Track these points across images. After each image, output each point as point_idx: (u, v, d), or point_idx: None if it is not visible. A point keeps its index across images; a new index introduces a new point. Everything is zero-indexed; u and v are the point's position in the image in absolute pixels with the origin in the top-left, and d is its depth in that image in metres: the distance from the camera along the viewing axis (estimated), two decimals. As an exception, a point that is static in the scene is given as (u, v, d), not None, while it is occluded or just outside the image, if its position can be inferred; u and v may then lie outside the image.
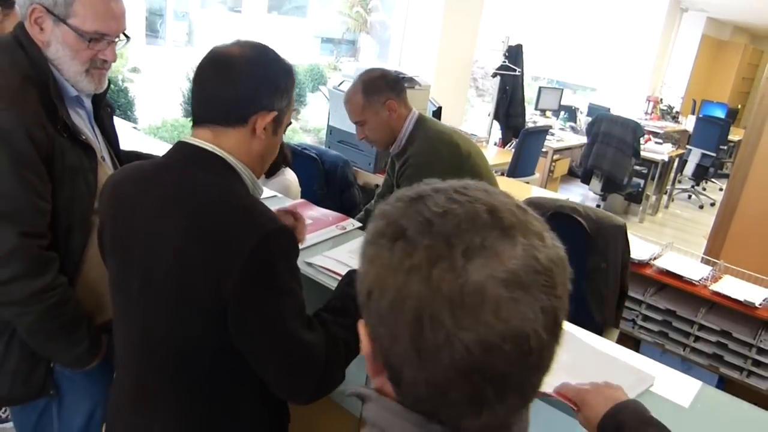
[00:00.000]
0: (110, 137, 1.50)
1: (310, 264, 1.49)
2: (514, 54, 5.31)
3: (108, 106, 1.53)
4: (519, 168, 4.55)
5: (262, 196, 1.23)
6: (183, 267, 1.04)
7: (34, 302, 1.27)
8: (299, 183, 2.78)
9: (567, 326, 0.54)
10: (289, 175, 2.64)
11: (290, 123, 1.23)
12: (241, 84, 1.09)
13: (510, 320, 0.48)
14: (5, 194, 1.21)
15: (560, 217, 2.55)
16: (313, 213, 1.80)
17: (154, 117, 6.08)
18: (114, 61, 1.36)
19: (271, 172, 2.74)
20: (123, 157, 1.56)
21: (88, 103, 1.43)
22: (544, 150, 5.70)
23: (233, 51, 1.12)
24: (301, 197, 2.38)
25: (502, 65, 5.33)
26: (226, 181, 1.11)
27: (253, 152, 1.14)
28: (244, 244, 1.00)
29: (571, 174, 6.79)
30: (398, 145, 2.04)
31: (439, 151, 1.96)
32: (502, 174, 4.46)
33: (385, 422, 0.56)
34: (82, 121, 1.41)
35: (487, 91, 6.10)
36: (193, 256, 1.03)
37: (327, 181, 3.14)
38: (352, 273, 1.32)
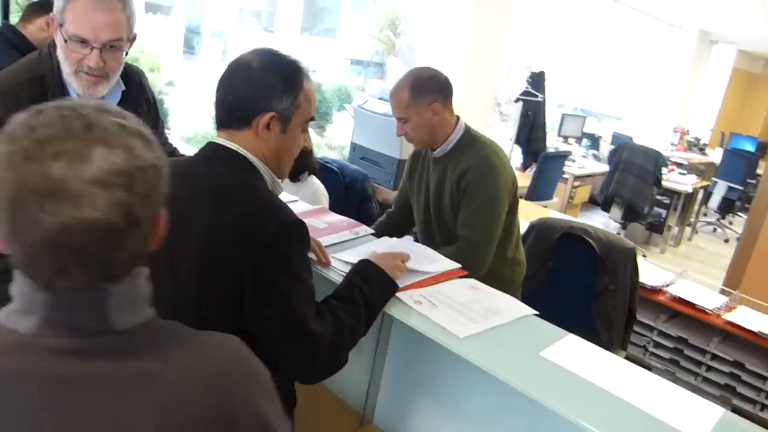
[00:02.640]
0: None
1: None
2: (537, 80, 5.39)
3: (144, 117, 1.63)
4: (537, 191, 4.60)
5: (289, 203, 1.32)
6: (207, 252, 1.14)
7: None
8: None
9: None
10: (319, 185, 2.77)
11: (311, 119, 1.31)
12: (239, 89, 1.20)
13: (86, 209, 0.62)
14: None
15: (570, 238, 2.60)
16: (329, 218, 1.89)
17: (187, 128, 6.27)
18: (101, 67, 1.45)
19: (296, 176, 2.86)
20: (167, 153, 1.68)
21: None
22: (565, 176, 5.74)
23: (241, 59, 1.23)
24: (321, 207, 2.47)
25: (524, 91, 5.41)
26: (247, 176, 1.21)
27: (265, 151, 1.24)
28: (262, 233, 1.11)
29: (592, 201, 6.78)
30: (444, 149, 2.02)
31: (501, 159, 1.98)
32: (520, 197, 4.50)
33: (21, 291, 0.69)
34: None
35: (511, 116, 6.17)
36: (216, 243, 1.13)
37: (346, 193, 3.24)
38: (359, 264, 1.41)
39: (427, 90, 1.94)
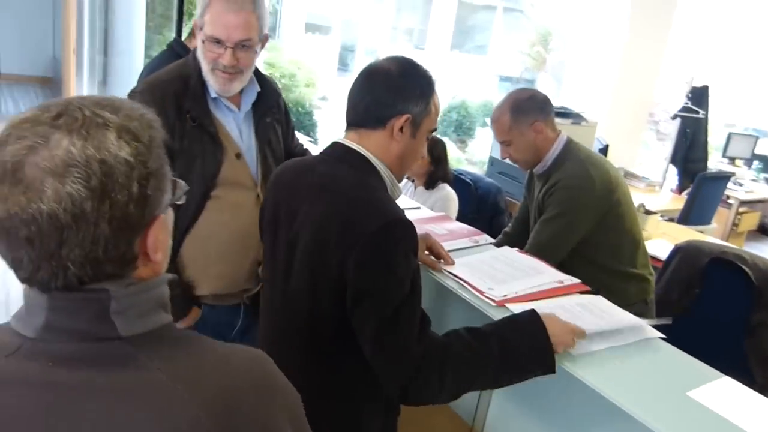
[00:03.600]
0: (265, 143, 1.70)
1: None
2: (699, 95, 4.98)
3: (275, 119, 1.75)
4: (693, 215, 4.22)
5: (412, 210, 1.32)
6: (319, 243, 1.19)
7: None
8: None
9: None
10: (451, 192, 2.81)
11: (434, 129, 1.33)
12: (377, 91, 1.24)
13: (34, 197, 0.59)
14: None
15: (722, 264, 2.35)
16: (450, 225, 1.88)
17: (332, 139, 6.61)
18: (234, 65, 1.55)
19: (432, 184, 2.92)
20: (298, 153, 1.84)
21: (244, 108, 1.67)
22: (729, 201, 5.21)
23: (378, 64, 1.29)
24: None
25: (683, 107, 5.02)
26: (365, 175, 1.25)
27: (392, 153, 1.26)
28: (367, 227, 1.13)
29: (763, 231, 6.10)
30: (543, 165, 2.02)
31: (591, 176, 1.92)
32: (671, 220, 4.16)
33: (27, 296, 0.67)
34: (227, 120, 1.64)
35: (669, 135, 5.74)
36: (325, 235, 1.18)
37: (479, 206, 3.21)
38: (527, 313, 1.27)
39: (527, 110, 1.95)
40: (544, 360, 1.19)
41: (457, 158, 7.98)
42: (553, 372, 1.20)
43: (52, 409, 0.61)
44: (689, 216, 4.23)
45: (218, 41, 1.53)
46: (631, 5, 4.98)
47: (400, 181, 1.35)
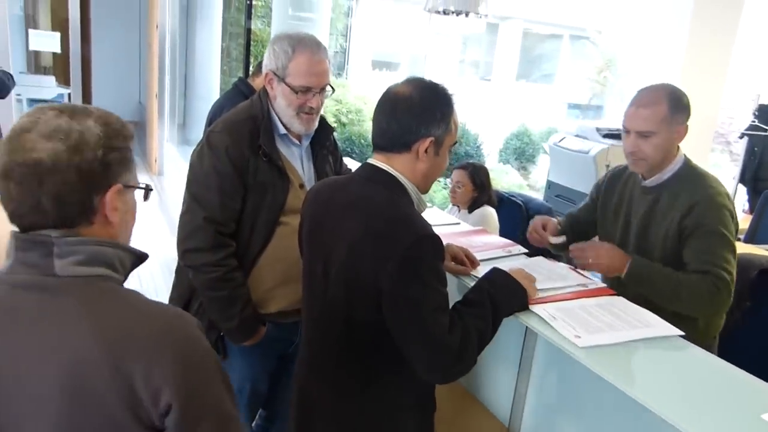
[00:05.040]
0: (322, 173, 1.89)
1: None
2: (766, 113, 4.85)
3: (329, 151, 1.94)
4: (759, 234, 4.09)
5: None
6: (354, 256, 1.33)
7: (203, 271, 1.70)
8: (503, 227, 3.02)
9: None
10: (489, 210, 2.96)
11: (455, 143, 1.46)
12: (403, 118, 1.36)
13: (28, 150, 0.84)
14: (202, 185, 1.71)
15: (772, 276, 2.33)
16: (487, 239, 1.99)
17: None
18: (318, 107, 1.77)
19: (475, 207, 3.06)
20: None
21: (305, 142, 1.86)
22: (806, 221, 4.99)
23: (399, 90, 1.40)
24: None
25: (750, 125, 4.91)
26: (395, 194, 1.39)
27: (417, 172, 1.40)
28: (400, 243, 1.27)
29: None
30: (659, 178, 1.84)
31: (730, 203, 1.79)
32: (738, 240, 4.05)
33: (8, 244, 0.89)
34: (291, 154, 1.83)
35: (741, 156, 5.59)
36: (359, 249, 1.32)
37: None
38: (491, 271, 1.49)
39: (684, 108, 1.80)
40: (522, 299, 1.46)
41: (519, 184, 8.01)
42: (527, 308, 1.47)
43: (6, 323, 0.86)
44: (756, 234, 4.11)
45: (309, 89, 1.73)
46: (691, 23, 4.94)
47: (425, 193, 1.48)
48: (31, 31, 6.52)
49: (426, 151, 1.37)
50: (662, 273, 1.74)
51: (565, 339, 1.34)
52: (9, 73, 4.07)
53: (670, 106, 1.76)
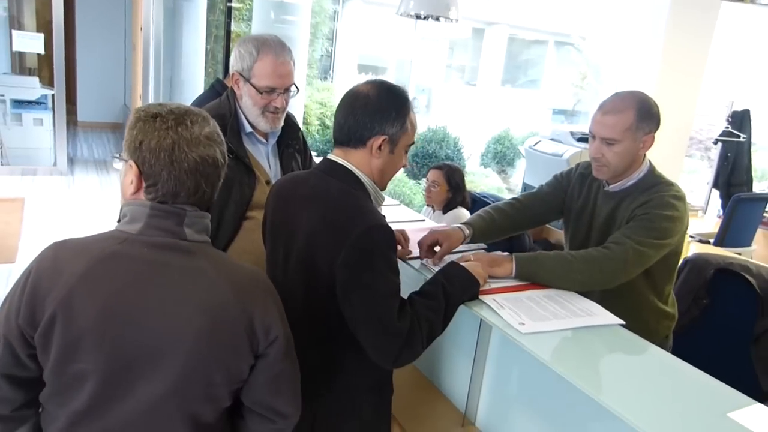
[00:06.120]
0: (288, 170, 1.95)
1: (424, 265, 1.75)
2: (740, 119, 4.97)
3: (296, 150, 2.00)
4: (729, 237, 4.19)
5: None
6: (312, 246, 1.40)
7: None
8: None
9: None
10: (463, 212, 3.05)
11: (412, 143, 1.53)
12: (358, 115, 1.43)
13: (208, 150, 1.12)
14: None
15: (727, 275, 2.42)
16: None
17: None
18: (283, 107, 1.84)
19: (449, 208, 3.13)
20: None
21: (271, 141, 1.93)
22: (771, 223, 5.12)
23: (359, 88, 1.47)
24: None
25: (724, 131, 5.03)
26: (351, 187, 1.45)
27: (373, 167, 1.47)
28: (353, 232, 1.33)
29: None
30: (622, 184, 1.85)
31: (681, 212, 1.77)
32: (706, 242, 4.15)
33: (133, 211, 1.11)
34: (258, 152, 1.90)
35: (715, 161, 5.70)
36: (316, 238, 1.39)
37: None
38: (448, 265, 1.56)
39: (651, 118, 1.77)
40: (474, 291, 1.53)
41: (498, 187, 8.11)
42: (477, 298, 1.53)
43: (145, 272, 1.07)
44: (725, 238, 4.21)
45: (273, 89, 1.80)
46: (666, 31, 5.03)
47: (384, 189, 1.55)
48: (14, 32, 6.52)
49: (380, 147, 1.43)
50: (548, 254, 1.74)
51: (510, 326, 1.40)
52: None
53: (638, 115, 1.74)
